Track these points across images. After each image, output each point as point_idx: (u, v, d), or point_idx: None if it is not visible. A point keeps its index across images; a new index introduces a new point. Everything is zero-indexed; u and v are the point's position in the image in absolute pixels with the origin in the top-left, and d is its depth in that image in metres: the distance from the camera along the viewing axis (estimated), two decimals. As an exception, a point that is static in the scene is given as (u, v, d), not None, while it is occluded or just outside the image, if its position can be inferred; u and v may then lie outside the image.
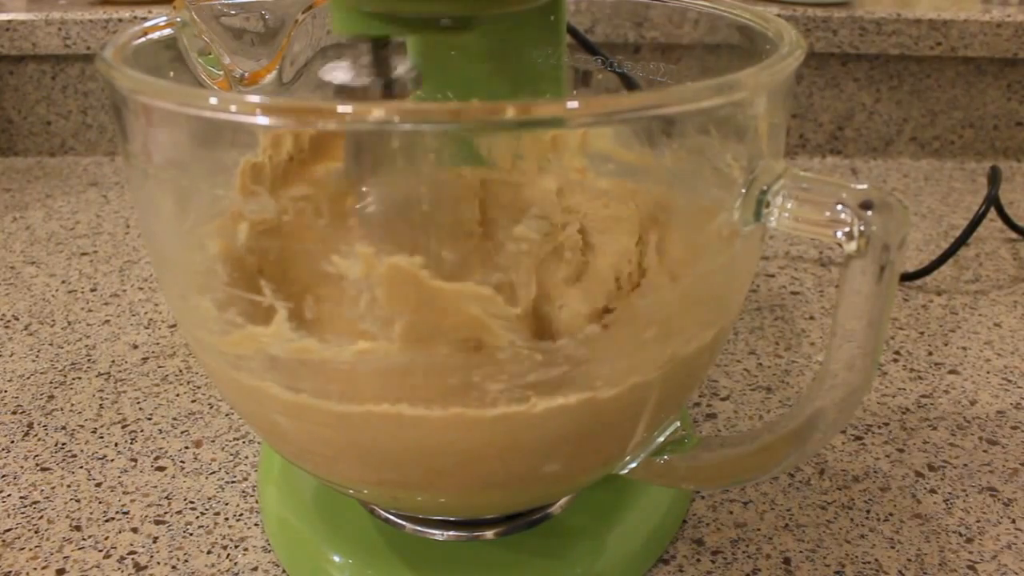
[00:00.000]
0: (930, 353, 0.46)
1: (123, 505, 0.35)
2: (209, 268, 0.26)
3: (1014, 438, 0.39)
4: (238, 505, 0.35)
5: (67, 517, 0.35)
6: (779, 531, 0.34)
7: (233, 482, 0.36)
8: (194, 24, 0.29)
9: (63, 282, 0.53)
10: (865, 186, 0.22)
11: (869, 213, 0.21)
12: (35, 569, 0.32)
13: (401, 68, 0.29)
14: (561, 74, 0.36)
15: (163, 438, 0.39)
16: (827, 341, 0.27)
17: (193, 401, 0.42)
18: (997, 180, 0.53)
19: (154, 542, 0.33)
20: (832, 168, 0.72)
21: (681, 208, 0.29)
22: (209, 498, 0.36)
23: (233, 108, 0.20)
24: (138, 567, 0.32)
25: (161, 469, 0.37)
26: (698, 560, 0.32)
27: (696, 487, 0.35)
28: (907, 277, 0.53)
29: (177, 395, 0.42)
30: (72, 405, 0.42)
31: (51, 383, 0.43)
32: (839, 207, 0.22)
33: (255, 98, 0.20)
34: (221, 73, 0.30)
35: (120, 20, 0.69)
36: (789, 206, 0.23)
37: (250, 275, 0.26)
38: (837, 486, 0.36)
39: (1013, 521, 0.34)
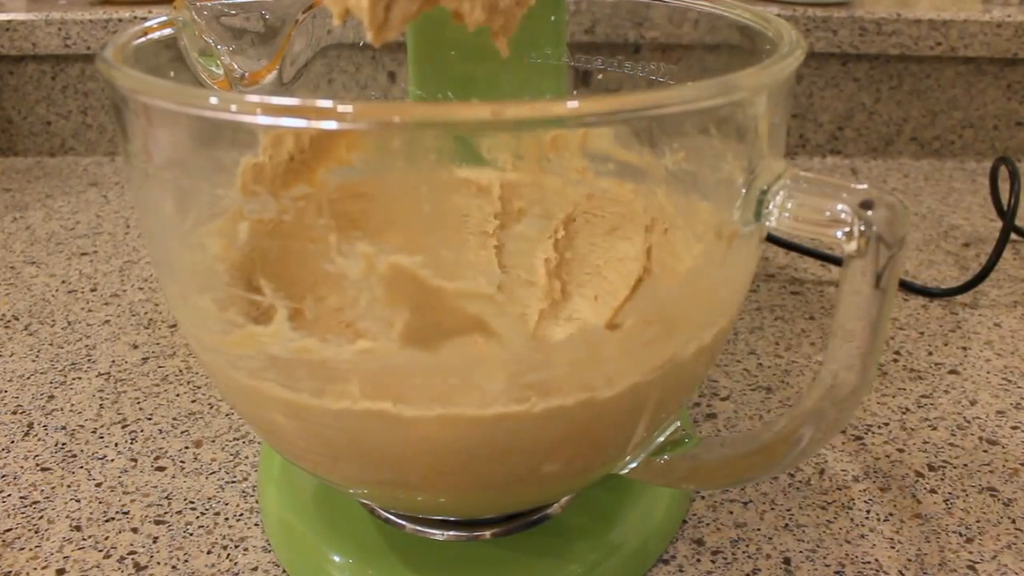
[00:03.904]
0: (930, 353, 0.46)
1: (123, 505, 0.35)
2: (209, 268, 0.26)
3: (1014, 438, 0.39)
4: (238, 505, 0.35)
5: (67, 517, 0.35)
6: (779, 531, 0.34)
7: (233, 482, 0.36)
8: (194, 24, 0.29)
9: (63, 282, 0.53)
10: (865, 186, 0.22)
11: (869, 213, 0.21)
12: (35, 569, 0.32)
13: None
14: (561, 74, 0.36)
15: (163, 438, 0.39)
16: (827, 341, 0.27)
17: (193, 401, 0.42)
18: (1017, 176, 0.52)
19: (154, 542, 0.33)
20: (832, 168, 0.72)
21: (681, 208, 0.29)
22: (209, 498, 0.36)
23: (233, 108, 0.20)
24: (138, 567, 0.32)
25: (161, 469, 0.37)
26: (698, 560, 0.32)
27: (696, 487, 0.35)
28: (943, 293, 0.51)
29: (177, 395, 0.42)
30: (72, 405, 0.42)
31: (51, 383, 0.43)
32: (839, 207, 0.22)
33: (255, 98, 0.20)
34: (221, 73, 0.30)
35: (120, 20, 0.69)
36: (789, 206, 0.23)
37: (250, 275, 0.26)
38: (837, 486, 0.36)
39: (1013, 521, 0.34)
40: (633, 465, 0.28)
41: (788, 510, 0.35)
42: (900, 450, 0.38)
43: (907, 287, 0.52)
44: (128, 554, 0.33)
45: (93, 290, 0.52)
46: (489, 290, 0.23)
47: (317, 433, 0.25)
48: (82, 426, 0.40)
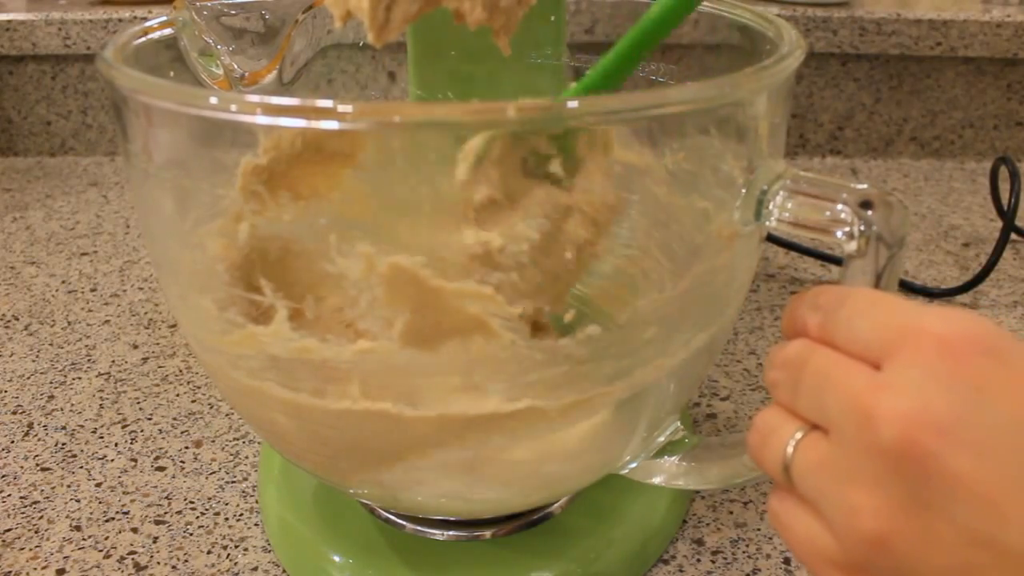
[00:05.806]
0: (930, 353, 0.46)
1: (123, 505, 0.35)
2: (209, 268, 0.26)
3: (1014, 438, 0.39)
4: (238, 505, 0.35)
5: (67, 517, 0.35)
6: (779, 531, 0.34)
7: (233, 482, 0.36)
8: (194, 24, 0.29)
9: (63, 282, 0.53)
10: (865, 186, 0.22)
11: (869, 213, 0.21)
12: (35, 569, 0.32)
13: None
14: (561, 74, 0.36)
15: (163, 438, 0.39)
16: (827, 341, 0.27)
17: (193, 401, 0.42)
18: (1017, 176, 0.52)
19: (154, 542, 0.33)
20: (832, 168, 0.72)
21: (681, 208, 0.29)
22: (209, 498, 0.36)
23: (233, 108, 0.20)
24: (138, 567, 0.32)
25: (161, 469, 0.37)
26: (698, 560, 0.32)
27: (696, 487, 0.35)
28: (943, 293, 0.51)
29: (177, 395, 0.42)
30: (72, 405, 0.42)
31: (51, 383, 0.43)
32: (839, 207, 0.22)
33: (255, 98, 0.20)
34: (221, 73, 0.30)
35: (120, 20, 0.69)
36: (789, 206, 0.23)
37: (250, 275, 0.26)
38: (837, 486, 0.36)
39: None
40: (633, 465, 0.28)
41: (788, 510, 0.35)
42: (900, 450, 0.38)
43: (907, 287, 0.52)
44: (128, 554, 0.33)
45: (93, 290, 0.52)
46: (489, 289, 0.23)
47: (317, 433, 0.25)
48: (82, 426, 0.40)
